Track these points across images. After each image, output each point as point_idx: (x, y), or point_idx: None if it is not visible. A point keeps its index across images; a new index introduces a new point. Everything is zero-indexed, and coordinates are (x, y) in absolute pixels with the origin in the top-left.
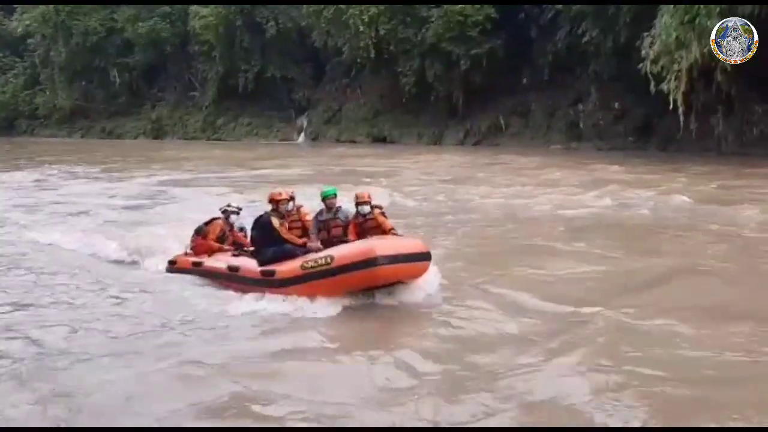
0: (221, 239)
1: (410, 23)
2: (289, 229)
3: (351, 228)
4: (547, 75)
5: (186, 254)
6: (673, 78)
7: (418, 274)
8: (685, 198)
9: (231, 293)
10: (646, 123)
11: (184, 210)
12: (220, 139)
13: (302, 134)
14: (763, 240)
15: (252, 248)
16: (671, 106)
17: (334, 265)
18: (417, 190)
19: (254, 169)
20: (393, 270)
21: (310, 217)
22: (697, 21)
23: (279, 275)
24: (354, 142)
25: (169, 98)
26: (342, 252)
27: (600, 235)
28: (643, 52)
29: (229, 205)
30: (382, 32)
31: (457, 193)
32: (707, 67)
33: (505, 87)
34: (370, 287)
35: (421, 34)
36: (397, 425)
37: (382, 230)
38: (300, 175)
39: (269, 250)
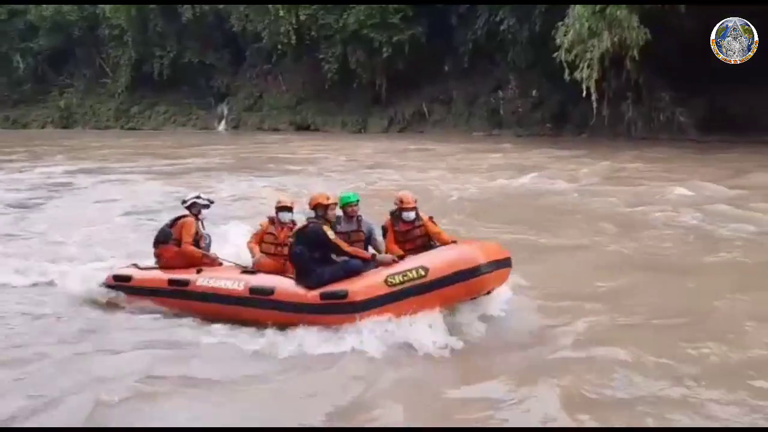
0: (196, 243)
1: (331, 9)
2: (281, 245)
3: (389, 237)
4: (467, 63)
5: (137, 266)
6: (585, 66)
7: (504, 281)
8: (590, 179)
9: (246, 326)
10: (562, 110)
11: (89, 208)
12: (135, 128)
13: (222, 122)
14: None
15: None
16: (584, 94)
17: (430, 277)
18: (341, 177)
19: (170, 158)
20: (493, 278)
21: None
22: (608, 11)
23: (354, 296)
24: (277, 130)
25: (79, 85)
26: (437, 261)
27: (509, 215)
28: (558, 40)
29: (198, 197)
30: (302, 17)
31: (380, 179)
32: (618, 56)
33: (427, 74)
34: (467, 299)
35: (342, 20)
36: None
37: (437, 242)
38: (220, 164)
39: (325, 270)
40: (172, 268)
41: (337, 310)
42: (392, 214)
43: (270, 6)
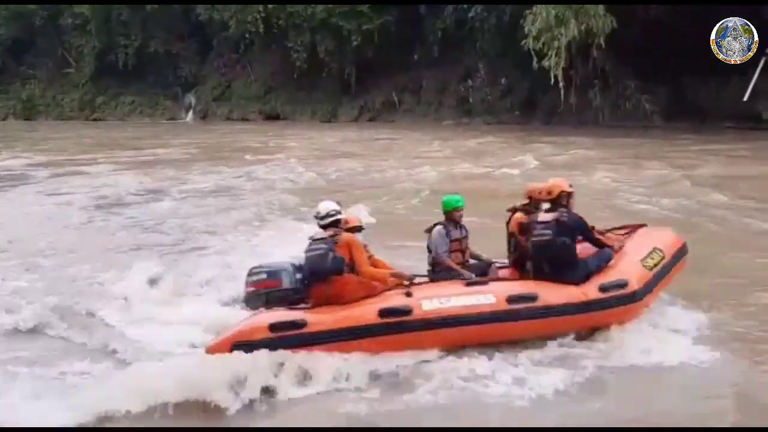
0: None
1: None
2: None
3: (515, 231)
4: (437, 51)
5: (294, 307)
6: (553, 54)
7: None
8: (555, 166)
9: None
10: (531, 98)
11: (48, 204)
12: (100, 119)
13: (190, 112)
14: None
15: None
16: (552, 81)
17: (667, 258)
18: (311, 167)
19: (136, 149)
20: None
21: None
22: None
23: (634, 285)
24: (246, 119)
25: (41, 75)
26: (661, 241)
27: (476, 201)
28: (526, 29)
29: (339, 203)
30: (270, 6)
31: (350, 168)
32: (584, 44)
33: (397, 63)
34: None
35: (311, 8)
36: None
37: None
38: (184, 155)
39: (588, 261)
40: (344, 304)
41: (622, 301)
42: (524, 209)
43: None
